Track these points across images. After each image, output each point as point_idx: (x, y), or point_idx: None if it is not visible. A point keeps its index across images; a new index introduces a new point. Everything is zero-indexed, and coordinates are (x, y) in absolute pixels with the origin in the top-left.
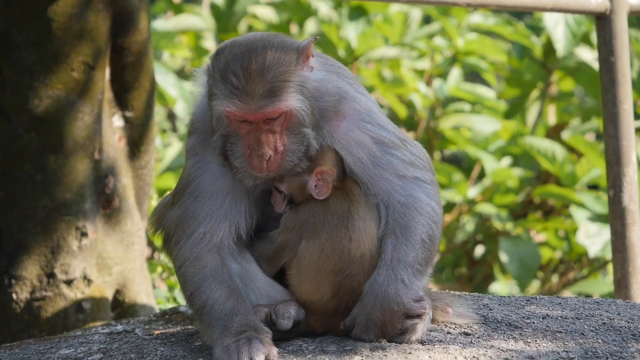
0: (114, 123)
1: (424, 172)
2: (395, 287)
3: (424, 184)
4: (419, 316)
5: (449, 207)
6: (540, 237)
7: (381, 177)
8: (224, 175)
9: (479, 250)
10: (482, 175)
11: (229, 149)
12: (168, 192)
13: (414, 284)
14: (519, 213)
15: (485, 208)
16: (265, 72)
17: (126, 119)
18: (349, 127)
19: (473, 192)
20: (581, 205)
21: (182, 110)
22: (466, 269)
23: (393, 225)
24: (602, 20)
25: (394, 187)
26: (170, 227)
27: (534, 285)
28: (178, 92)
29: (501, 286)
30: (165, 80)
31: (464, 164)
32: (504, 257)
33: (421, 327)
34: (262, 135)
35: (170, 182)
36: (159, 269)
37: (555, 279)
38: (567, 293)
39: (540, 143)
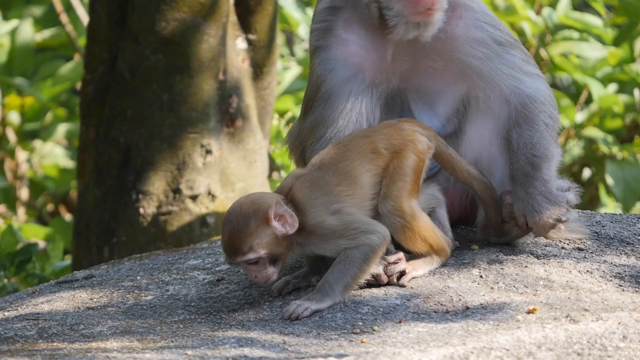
0: (238, 45)
1: (538, 69)
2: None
3: (543, 79)
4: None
5: None
6: None
7: (509, 76)
8: (350, 78)
9: (586, 173)
10: (589, 100)
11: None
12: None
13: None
14: (624, 137)
15: (592, 132)
16: None
17: (249, 42)
18: (467, 26)
19: (580, 117)
20: None
21: (305, 33)
22: None
23: (517, 117)
24: None
25: (520, 83)
26: (305, 134)
27: (637, 208)
28: (301, 16)
29: (607, 209)
30: (288, 4)
31: (572, 90)
32: (609, 179)
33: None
34: None
35: (289, 104)
36: None
37: None
38: None
39: None
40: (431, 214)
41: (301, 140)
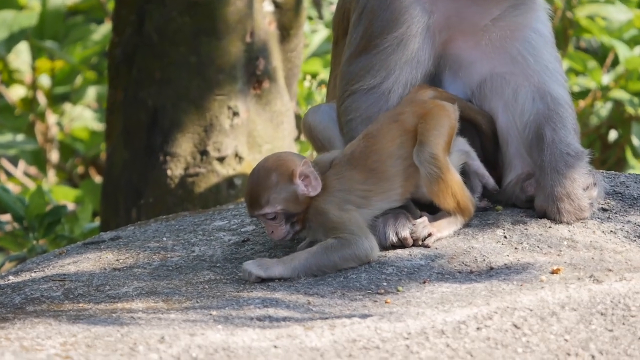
0: (265, 8)
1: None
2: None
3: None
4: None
5: (583, 93)
6: None
7: (550, 72)
8: (425, 27)
9: (613, 134)
10: (615, 62)
11: None
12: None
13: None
14: None
15: (619, 94)
16: None
17: (276, 4)
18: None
19: (607, 79)
20: None
21: None
22: (599, 153)
23: (550, 115)
24: None
25: (556, 83)
26: (353, 78)
27: None
28: None
29: (634, 170)
30: None
31: (598, 52)
32: (635, 141)
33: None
34: None
35: (317, 66)
36: (309, 151)
37: None
38: None
39: None
40: (465, 168)
41: (344, 84)
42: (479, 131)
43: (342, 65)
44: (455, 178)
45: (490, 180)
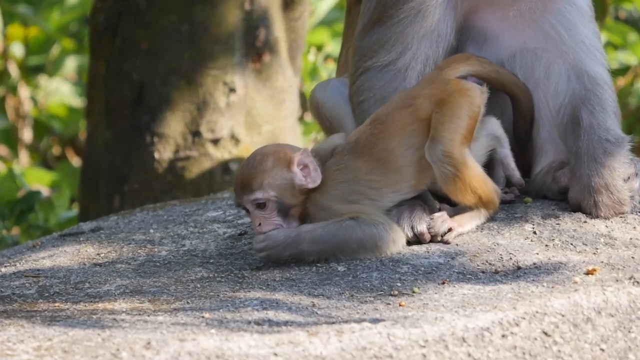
0: None
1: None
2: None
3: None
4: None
5: (623, 70)
6: None
7: (587, 49)
8: None
9: None
10: None
11: None
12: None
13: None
14: None
15: None
16: None
17: None
18: None
19: None
20: None
21: None
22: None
23: (587, 96)
24: None
25: (594, 62)
26: (365, 53)
27: None
28: None
29: None
30: None
31: (639, 24)
32: None
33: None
34: None
35: (324, 37)
36: (314, 133)
37: None
38: None
39: None
40: (492, 155)
41: (356, 60)
42: (517, 110)
43: (355, 38)
44: (474, 173)
45: (516, 173)
